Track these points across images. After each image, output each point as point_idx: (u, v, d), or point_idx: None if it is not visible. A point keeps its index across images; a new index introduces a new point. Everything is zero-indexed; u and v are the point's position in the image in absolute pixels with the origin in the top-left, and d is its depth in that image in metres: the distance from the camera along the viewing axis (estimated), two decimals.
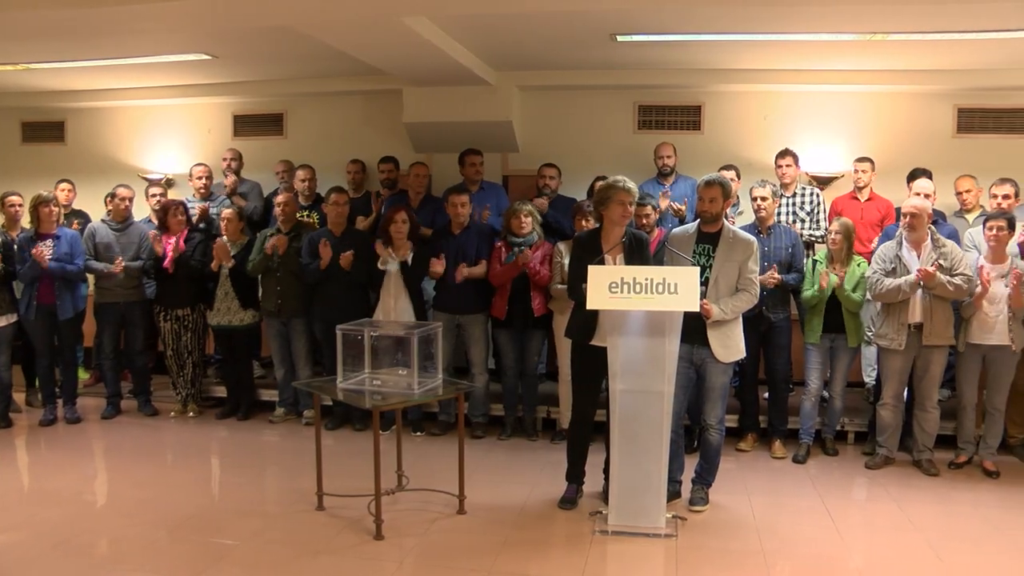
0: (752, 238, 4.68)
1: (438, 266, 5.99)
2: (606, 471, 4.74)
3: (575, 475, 4.86)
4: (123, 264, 6.49)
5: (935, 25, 5.45)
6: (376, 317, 6.06)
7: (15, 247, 6.36)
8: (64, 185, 7.49)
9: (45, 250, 6.20)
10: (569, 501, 4.79)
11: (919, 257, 5.30)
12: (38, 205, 6.33)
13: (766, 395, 6.04)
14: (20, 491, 5.26)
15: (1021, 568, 4.09)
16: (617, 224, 4.63)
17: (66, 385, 6.69)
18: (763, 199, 5.71)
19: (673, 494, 4.73)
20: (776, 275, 5.56)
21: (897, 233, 5.45)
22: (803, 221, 6.39)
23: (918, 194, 5.78)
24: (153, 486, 5.20)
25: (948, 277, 5.17)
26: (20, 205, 6.52)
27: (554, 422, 6.31)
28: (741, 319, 4.68)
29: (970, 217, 6.22)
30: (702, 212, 4.65)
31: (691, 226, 4.78)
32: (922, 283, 5.20)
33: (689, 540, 4.34)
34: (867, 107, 7.16)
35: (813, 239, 6.33)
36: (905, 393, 5.56)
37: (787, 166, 6.48)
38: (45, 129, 8.76)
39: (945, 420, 5.59)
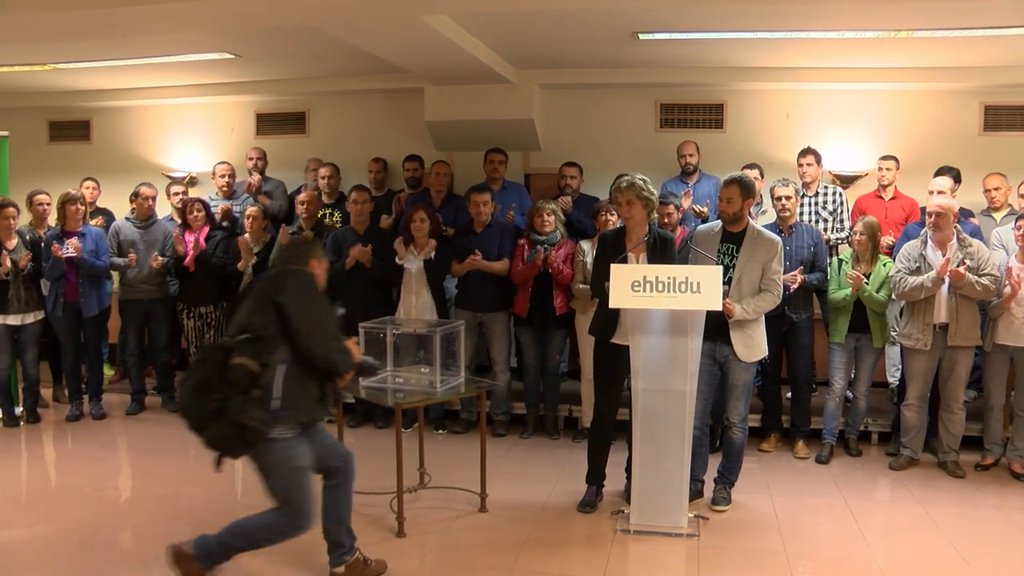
0: (777, 238, 4.65)
1: (460, 270, 6.04)
2: (628, 470, 4.72)
3: (595, 477, 4.83)
4: (159, 259, 6.60)
5: (961, 21, 5.38)
6: (398, 315, 6.08)
7: (42, 245, 6.42)
8: (89, 183, 7.56)
9: (68, 246, 6.27)
10: (588, 504, 4.75)
11: (944, 256, 5.24)
12: (65, 203, 6.41)
13: (788, 395, 6.00)
14: (47, 486, 5.34)
15: None
16: (638, 224, 4.62)
17: (92, 381, 6.77)
18: (786, 198, 5.66)
19: (695, 493, 4.72)
20: (800, 276, 5.52)
21: (922, 232, 5.40)
22: (826, 221, 6.33)
23: (932, 192, 5.70)
24: (176, 482, 5.25)
25: (976, 277, 5.11)
26: (48, 204, 6.60)
27: (576, 421, 6.31)
28: (763, 318, 4.66)
29: (998, 215, 6.15)
30: (721, 212, 4.65)
31: (716, 224, 4.74)
32: (950, 282, 5.14)
33: (711, 540, 4.33)
34: (891, 105, 7.08)
35: (838, 240, 6.25)
36: (929, 394, 5.51)
37: (808, 165, 6.41)
38: (71, 128, 8.83)
39: (971, 421, 5.53)
